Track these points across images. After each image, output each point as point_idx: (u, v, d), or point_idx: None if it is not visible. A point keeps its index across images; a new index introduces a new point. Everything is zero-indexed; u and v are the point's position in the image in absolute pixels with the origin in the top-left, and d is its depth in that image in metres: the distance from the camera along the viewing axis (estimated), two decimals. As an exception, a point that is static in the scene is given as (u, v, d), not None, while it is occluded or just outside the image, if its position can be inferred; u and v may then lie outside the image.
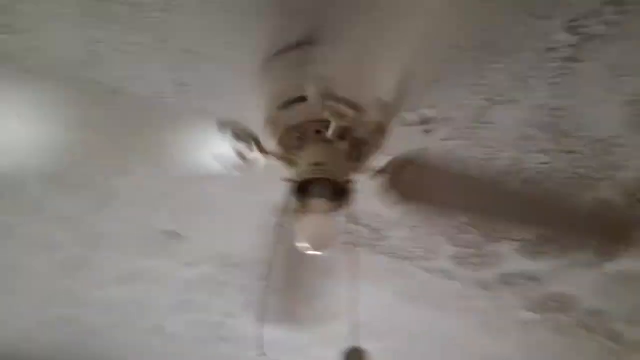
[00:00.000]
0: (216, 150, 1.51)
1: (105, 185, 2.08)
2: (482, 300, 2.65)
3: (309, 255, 1.58)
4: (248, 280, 2.67)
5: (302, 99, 1.37)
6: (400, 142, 1.71)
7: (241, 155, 1.50)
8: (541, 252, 2.26)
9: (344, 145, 1.45)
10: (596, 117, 1.61)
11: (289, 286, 2.06)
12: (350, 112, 1.38)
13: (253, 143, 1.47)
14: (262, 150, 1.48)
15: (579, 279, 2.41)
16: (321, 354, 3.41)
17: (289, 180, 1.43)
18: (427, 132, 1.70)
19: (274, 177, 1.91)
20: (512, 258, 2.31)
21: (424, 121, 1.67)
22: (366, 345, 1.70)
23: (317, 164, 1.38)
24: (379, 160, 1.51)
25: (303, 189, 1.45)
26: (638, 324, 2.73)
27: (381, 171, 1.48)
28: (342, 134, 1.44)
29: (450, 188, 1.50)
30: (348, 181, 1.41)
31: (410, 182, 1.43)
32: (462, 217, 1.98)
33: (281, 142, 1.48)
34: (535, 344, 3.03)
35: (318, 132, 1.42)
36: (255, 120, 1.58)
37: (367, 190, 1.94)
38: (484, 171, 1.81)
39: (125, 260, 2.59)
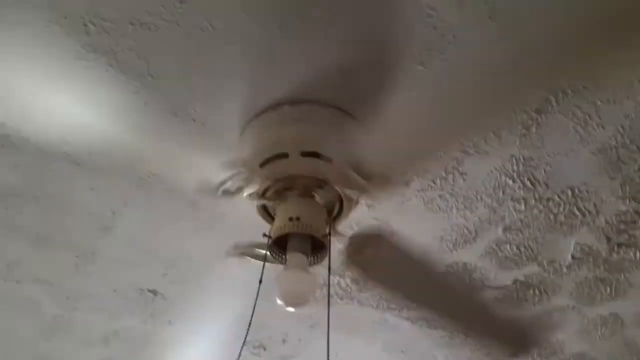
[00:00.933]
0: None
1: (84, 243, 2.05)
2: (469, 349, 2.62)
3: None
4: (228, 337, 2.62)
5: (283, 156, 1.40)
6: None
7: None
8: (520, 299, 2.27)
9: (322, 200, 1.47)
10: (567, 166, 1.66)
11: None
12: (328, 169, 1.42)
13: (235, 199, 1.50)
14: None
15: (560, 323, 2.42)
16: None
17: (267, 236, 1.44)
18: (405, 184, 1.72)
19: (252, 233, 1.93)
20: (493, 305, 2.30)
21: (400, 172, 1.70)
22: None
23: (292, 219, 1.40)
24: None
25: (281, 245, 1.46)
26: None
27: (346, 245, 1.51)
28: (319, 187, 1.47)
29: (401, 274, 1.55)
30: (325, 235, 1.43)
31: (369, 260, 1.46)
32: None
33: (262, 198, 1.50)
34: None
35: (295, 187, 1.44)
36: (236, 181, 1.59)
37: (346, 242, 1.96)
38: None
39: (105, 321, 2.53)
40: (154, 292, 2.33)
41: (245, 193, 1.42)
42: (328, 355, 1.27)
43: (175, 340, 2.68)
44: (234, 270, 2.15)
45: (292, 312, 2.36)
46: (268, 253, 1.42)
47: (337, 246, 1.82)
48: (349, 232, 1.89)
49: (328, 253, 1.42)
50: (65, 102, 1.48)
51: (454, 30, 1.28)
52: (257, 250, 1.56)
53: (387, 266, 1.70)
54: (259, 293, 1.42)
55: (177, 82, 1.41)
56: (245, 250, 1.54)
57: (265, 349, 2.69)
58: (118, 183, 1.76)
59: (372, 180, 1.59)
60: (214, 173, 1.40)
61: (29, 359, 2.82)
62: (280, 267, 1.42)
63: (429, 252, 2.01)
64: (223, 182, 1.33)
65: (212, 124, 1.52)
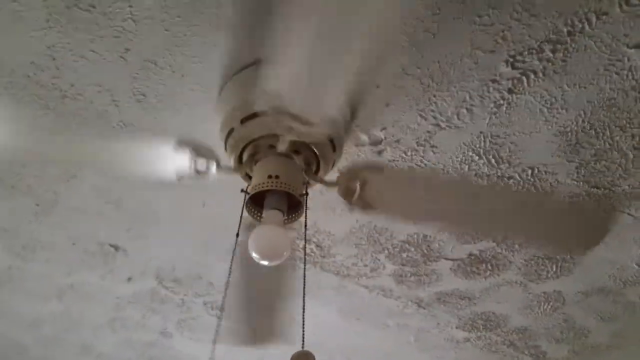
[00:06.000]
0: (171, 161, 1.53)
1: (45, 191, 2.01)
2: (419, 318, 2.74)
3: (260, 272, 1.61)
4: (186, 296, 2.64)
5: (256, 115, 1.41)
6: (350, 160, 1.79)
7: (196, 169, 1.53)
8: (473, 272, 2.38)
9: (298, 159, 1.50)
10: (530, 146, 1.75)
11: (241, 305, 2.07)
12: (300, 127, 1.44)
13: (210, 158, 1.50)
14: (218, 164, 1.52)
15: (507, 298, 2.55)
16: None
17: (244, 191, 1.46)
18: (377, 152, 1.77)
19: (220, 193, 1.94)
20: (447, 277, 2.42)
21: (374, 142, 1.75)
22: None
23: (271, 177, 1.42)
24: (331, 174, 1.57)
25: (257, 201, 1.49)
26: (560, 342, 2.91)
27: (336, 181, 1.53)
28: (296, 148, 1.50)
29: (413, 194, 1.56)
30: (302, 194, 1.46)
31: (369, 191, 1.49)
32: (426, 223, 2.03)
33: (238, 156, 1.52)
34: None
35: (272, 146, 1.46)
36: (212, 133, 1.61)
37: (317, 206, 2.01)
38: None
39: (58, 274, 2.50)
40: (116, 247, 2.32)
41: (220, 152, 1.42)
42: (303, 313, 1.30)
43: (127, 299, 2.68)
44: (202, 227, 2.17)
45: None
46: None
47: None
48: (317, 197, 1.94)
49: (304, 211, 1.46)
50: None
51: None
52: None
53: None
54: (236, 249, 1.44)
55: (158, 28, 1.41)
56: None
57: (224, 310, 2.73)
58: (89, 131, 1.74)
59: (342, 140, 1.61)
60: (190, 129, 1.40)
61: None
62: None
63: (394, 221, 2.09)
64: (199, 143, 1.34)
65: (192, 76, 1.53)
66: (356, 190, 1.44)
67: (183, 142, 1.53)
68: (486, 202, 1.95)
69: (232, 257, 1.40)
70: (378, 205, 1.49)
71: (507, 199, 1.96)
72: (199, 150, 1.53)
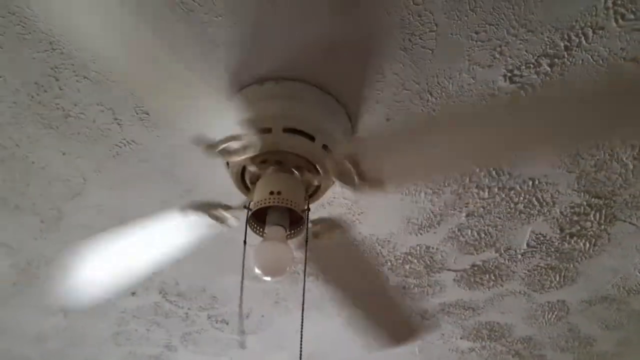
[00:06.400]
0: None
1: (50, 209, 2.03)
2: (423, 329, 2.73)
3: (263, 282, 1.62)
4: (190, 310, 2.64)
5: (267, 130, 1.43)
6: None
7: (217, 219, 1.56)
8: (476, 282, 2.38)
9: (301, 175, 1.51)
10: (531, 157, 1.76)
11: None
12: (302, 142, 1.46)
13: (221, 209, 1.53)
14: (228, 209, 1.54)
15: (511, 308, 2.55)
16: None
17: (247, 207, 1.47)
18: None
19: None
20: (450, 288, 2.42)
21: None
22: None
23: (273, 193, 1.43)
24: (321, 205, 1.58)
25: (260, 217, 1.50)
26: (565, 350, 2.90)
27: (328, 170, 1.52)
28: (299, 165, 1.51)
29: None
30: (303, 210, 1.47)
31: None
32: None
33: (242, 174, 1.53)
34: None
35: (278, 162, 1.48)
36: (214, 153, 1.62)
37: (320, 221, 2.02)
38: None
39: (63, 289, 2.51)
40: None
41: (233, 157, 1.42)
42: (302, 324, 1.31)
43: (131, 312, 2.68)
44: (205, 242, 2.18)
45: (256, 288, 2.43)
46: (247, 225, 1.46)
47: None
48: (319, 212, 1.96)
49: (306, 227, 1.47)
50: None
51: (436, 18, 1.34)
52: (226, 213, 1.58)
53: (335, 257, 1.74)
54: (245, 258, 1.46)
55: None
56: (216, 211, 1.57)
57: (228, 324, 2.73)
58: (91, 149, 1.76)
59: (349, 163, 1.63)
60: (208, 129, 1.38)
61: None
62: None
63: (396, 233, 2.10)
64: (219, 142, 1.33)
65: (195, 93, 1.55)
66: (352, 171, 1.40)
67: (188, 208, 1.57)
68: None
69: (243, 261, 1.41)
70: (384, 175, 1.41)
71: (508, 210, 1.97)
72: (213, 213, 1.57)
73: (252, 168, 1.46)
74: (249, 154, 1.40)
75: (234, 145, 1.34)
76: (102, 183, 1.91)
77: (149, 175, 1.86)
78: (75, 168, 1.84)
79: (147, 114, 1.63)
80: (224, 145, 1.33)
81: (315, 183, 1.55)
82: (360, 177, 1.43)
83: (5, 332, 2.85)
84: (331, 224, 1.63)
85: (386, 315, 2.07)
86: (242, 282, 1.48)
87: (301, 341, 1.54)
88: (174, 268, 2.34)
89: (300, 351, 1.53)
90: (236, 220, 1.58)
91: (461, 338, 2.81)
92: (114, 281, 2.10)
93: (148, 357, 3.10)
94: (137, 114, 1.63)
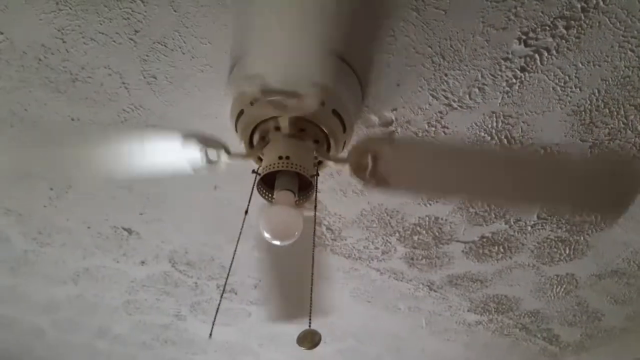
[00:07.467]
0: (183, 154, 1.54)
1: (59, 176, 2.03)
2: (431, 301, 2.74)
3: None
4: (199, 279, 2.66)
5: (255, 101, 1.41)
6: (361, 137, 1.78)
7: (208, 158, 1.53)
8: (485, 255, 2.37)
9: (307, 139, 1.49)
10: (542, 125, 1.73)
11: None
12: (290, 101, 1.43)
13: (219, 147, 1.50)
14: (228, 152, 1.52)
15: (519, 280, 2.54)
16: (274, 357, 3.42)
17: (255, 172, 1.46)
18: (388, 133, 1.77)
19: (231, 176, 1.95)
20: (459, 260, 2.41)
21: (385, 123, 1.74)
22: (321, 345, 1.74)
23: (282, 158, 1.42)
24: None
25: (269, 182, 1.49)
26: (573, 325, 2.90)
27: (347, 157, 1.51)
28: (302, 127, 1.48)
29: (430, 166, 1.54)
30: (312, 175, 1.46)
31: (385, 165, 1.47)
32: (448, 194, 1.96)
33: (248, 140, 1.51)
34: (480, 346, 3.15)
35: (277, 128, 1.46)
36: (223, 117, 1.60)
37: (328, 189, 2.01)
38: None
39: (73, 257, 2.53)
40: (129, 231, 2.34)
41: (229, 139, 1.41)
42: (312, 293, 1.31)
43: (141, 282, 2.71)
44: (214, 210, 2.17)
45: (263, 259, 2.44)
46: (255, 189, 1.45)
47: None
48: (327, 182, 1.94)
49: (315, 192, 1.46)
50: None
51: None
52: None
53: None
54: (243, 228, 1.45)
55: (167, 10, 1.41)
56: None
57: (236, 294, 2.75)
58: (100, 114, 1.75)
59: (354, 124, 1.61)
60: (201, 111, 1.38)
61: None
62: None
63: (405, 203, 2.08)
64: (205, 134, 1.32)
65: (202, 57, 1.53)
66: (368, 166, 1.42)
67: (190, 135, 1.53)
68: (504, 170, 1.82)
69: (240, 230, 1.40)
70: (392, 180, 1.46)
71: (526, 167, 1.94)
72: (208, 141, 1.53)
73: (262, 131, 1.44)
74: (262, 116, 1.39)
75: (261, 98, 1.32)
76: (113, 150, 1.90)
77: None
78: (84, 133, 1.83)
79: (155, 77, 1.61)
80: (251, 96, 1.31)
81: (325, 148, 1.54)
82: (372, 173, 1.46)
83: (17, 301, 2.90)
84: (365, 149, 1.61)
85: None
86: (234, 251, 1.47)
87: (310, 308, 1.53)
88: (183, 237, 2.35)
89: (310, 318, 1.53)
90: (227, 166, 1.55)
91: (468, 311, 2.81)
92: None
93: (158, 326, 3.14)
94: (144, 77, 1.61)
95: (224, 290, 2.16)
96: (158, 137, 1.53)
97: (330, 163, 1.57)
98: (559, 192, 1.56)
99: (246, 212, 1.43)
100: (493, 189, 1.57)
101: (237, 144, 1.59)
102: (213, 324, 2.82)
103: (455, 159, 1.49)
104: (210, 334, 2.76)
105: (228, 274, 1.85)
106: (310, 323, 1.54)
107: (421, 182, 1.54)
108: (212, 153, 1.55)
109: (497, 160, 1.54)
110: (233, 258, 1.55)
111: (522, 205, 1.98)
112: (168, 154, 1.60)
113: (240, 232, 1.41)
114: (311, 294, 1.52)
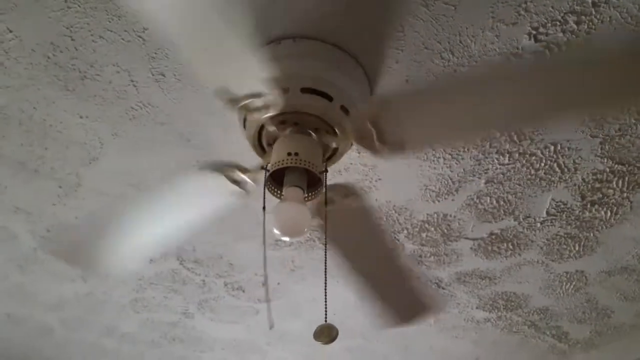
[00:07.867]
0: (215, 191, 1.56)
1: (68, 174, 2.04)
2: (439, 299, 2.73)
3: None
4: (207, 277, 2.66)
5: (285, 91, 1.40)
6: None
7: (235, 181, 1.54)
8: (494, 251, 2.36)
9: (319, 137, 1.49)
10: (553, 121, 1.71)
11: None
12: (320, 103, 1.43)
13: (237, 170, 1.51)
14: (245, 170, 1.52)
15: (528, 277, 2.53)
16: (281, 355, 3.42)
17: (265, 169, 1.46)
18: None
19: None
20: (467, 257, 2.40)
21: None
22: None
23: (290, 154, 1.42)
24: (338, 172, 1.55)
25: (278, 179, 1.49)
26: (582, 322, 2.88)
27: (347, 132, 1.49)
28: (317, 125, 1.48)
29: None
30: (321, 171, 1.46)
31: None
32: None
33: (259, 134, 1.51)
34: (489, 343, 3.14)
35: (296, 123, 1.45)
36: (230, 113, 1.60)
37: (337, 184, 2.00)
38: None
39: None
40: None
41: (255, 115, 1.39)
42: (325, 289, 1.31)
43: (148, 280, 2.71)
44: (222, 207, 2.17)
45: (272, 256, 2.44)
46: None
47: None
48: (335, 178, 1.94)
49: (324, 189, 1.45)
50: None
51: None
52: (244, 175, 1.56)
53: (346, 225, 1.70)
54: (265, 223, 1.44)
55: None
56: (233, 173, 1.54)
57: (244, 291, 2.75)
58: (108, 112, 1.75)
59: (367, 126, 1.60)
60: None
61: (1, 289, 2.81)
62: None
63: (413, 200, 2.07)
64: (241, 98, 1.29)
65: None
66: (372, 133, 1.37)
67: (212, 169, 1.54)
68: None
69: (264, 226, 1.40)
70: (406, 139, 1.38)
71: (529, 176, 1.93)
72: (225, 169, 1.54)
73: (270, 128, 1.44)
74: (269, 113, 1.39)
75: (255, 102, 1.32)
76: (119, 147, 1.90)
77: (165, 138, 1.85)
78: (93, 131, 1.84)
79: (163, 75, 1.61)
80: (246, 102, 1.31)
81: (334, 145, 1.53)
82: (380, 139, 1.40)
83: (25, 299, 2.91)
84: (346, 191, 1.61)
85: (398, 292, 2.04)
86: (264, 252, 1.47)
87: (325, 304, 1.52)
88: (191, 235, 2.35)
89: (326, 313, 1.51)
90: (253, 183, 1.56)
91: (477, 308, 2.80)
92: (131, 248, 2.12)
93: (166, 324, 3.14)
94: (152, 75, 1.61)
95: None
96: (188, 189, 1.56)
97: (338, 156, 1.56)
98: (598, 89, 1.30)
99: (264, 208, 1.42)
100: (522, 110, 1.35)
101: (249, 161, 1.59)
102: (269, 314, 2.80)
103: (469, 94, 1.30)
104: (271, 326, 2.75)
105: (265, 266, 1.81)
106: (326, 318, 1.53)
107: (435, 131, 1.43)
108: (237, 175, 1.55)
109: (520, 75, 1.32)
110: (264, 257, 1.53)
111: (563, 118, 1.64)
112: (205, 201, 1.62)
113: (264, 230, 1.40)
114: (325, 290, 1.52)
